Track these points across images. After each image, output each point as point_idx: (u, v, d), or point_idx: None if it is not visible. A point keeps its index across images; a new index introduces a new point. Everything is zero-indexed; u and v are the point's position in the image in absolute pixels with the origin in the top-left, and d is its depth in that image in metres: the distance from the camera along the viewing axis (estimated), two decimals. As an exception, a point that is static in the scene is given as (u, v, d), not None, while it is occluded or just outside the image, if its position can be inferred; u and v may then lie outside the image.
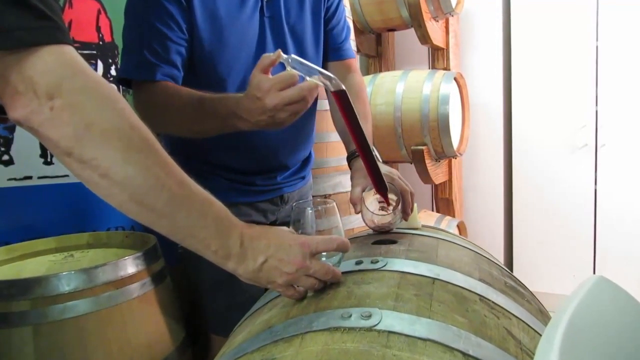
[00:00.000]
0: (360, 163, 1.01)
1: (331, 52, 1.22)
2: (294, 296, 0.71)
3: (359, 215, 1.01)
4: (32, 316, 0.94)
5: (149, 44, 0.94)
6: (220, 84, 1.04)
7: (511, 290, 0.83)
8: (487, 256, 1.00)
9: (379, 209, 1.01)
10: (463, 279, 0.77)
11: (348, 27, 1.27)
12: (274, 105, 0.81)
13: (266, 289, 1.19)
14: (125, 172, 0.57)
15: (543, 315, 0.84)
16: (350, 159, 1.10)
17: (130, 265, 1.07)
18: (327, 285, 0.73)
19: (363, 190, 0.99)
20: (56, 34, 0.55)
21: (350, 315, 0.61)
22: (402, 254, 0.84)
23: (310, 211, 0.77)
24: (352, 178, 1.05)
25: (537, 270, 2.83)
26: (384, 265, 0.78)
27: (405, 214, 0.99)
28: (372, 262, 0.79)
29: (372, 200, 1.01)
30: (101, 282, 1.01)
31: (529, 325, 0.73)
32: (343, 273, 0.76)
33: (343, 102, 0.79)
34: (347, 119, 0.81)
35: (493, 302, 0.74)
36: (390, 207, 0.99)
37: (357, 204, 0.98)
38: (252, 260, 0.67)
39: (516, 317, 0.74)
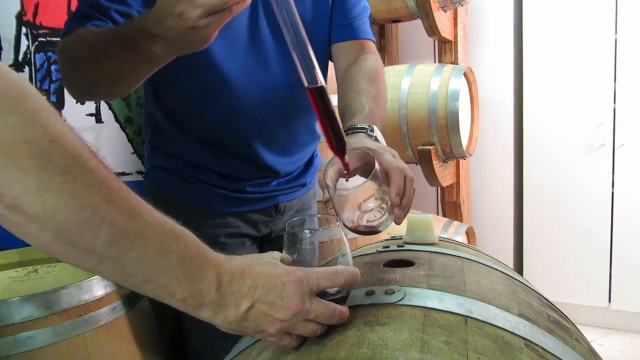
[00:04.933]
0: (348, 137, 0.78)
1: (338, 30, 1.01)
2: (290, 345, 0.57)
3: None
4: (-26, 351, 0.80)
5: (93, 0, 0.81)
6: (217, 79, 0.92)
7: (557, 327, 0.68)
8: (521, 279, 0.85)
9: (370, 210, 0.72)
10: (502, 316, 0.63)
11: (365, 6, 1.07)
12: None
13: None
14: (44, 203, 0.41)
15: (596, 358, 0.69)
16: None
17: (97, 287, 0.93)
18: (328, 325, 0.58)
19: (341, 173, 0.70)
20: None
21: (363, 376, 0.48)
22: (422, 281, 0.69)
23: (308, 235, 0.62)
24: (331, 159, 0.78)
25: (549, 278, 2.73)
26: (402, 298, 0.64)
27: (399, 206, 0.69)
28: (386, 293, 0.65)
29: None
30: (61, 309, 0.87)
31: (588, 379, 0.58)
32: (351, 307, 0.62)
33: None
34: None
35: (542, 347, 0.60)
36: (373, 198, 0.70)
37: (328, 185, 0.69)
38: (233, 308, 0.53)
39: (571, 367, 0.59)
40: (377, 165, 0.68)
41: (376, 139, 0.79)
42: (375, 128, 0.80)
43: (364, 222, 0.71)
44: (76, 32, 0.77)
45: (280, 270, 0.55)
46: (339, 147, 0.64)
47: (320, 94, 0.61)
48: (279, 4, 0.57)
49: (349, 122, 0.84)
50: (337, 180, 0.70)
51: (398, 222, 0.71)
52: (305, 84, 0.60)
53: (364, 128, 0.81)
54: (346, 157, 0.66)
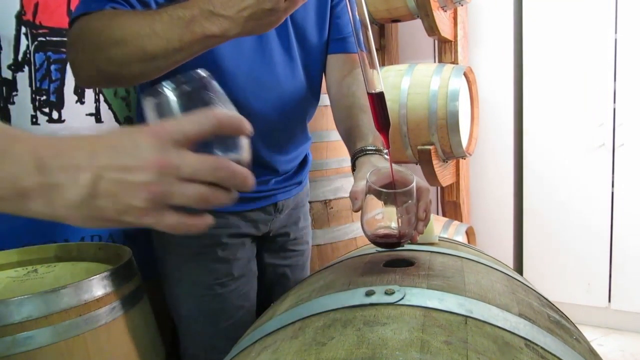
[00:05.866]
0: (366, 158, 0.87)
1: (334, 43, 1.05)
2: (180, 228, 0.45)
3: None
4: (-27, 351, 0.79)
5: None
6: (224, 78, 0.91)
7: (557, 327, 0.68)
8: (521, 279, 0.85)
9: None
10: (502, 316, 0.63)
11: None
12: None
13: (257, 314, 1.05)
14: None
15: (596, 358, 0.69)
16: (354, 159, 0.94)
17: (96, 287, 0.92)
18: (328, 325, 0.58)
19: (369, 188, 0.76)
20: None
21: (364, 376, 0.47)
22: (422, 281, 0.69)
23: (171, 92, 0.48)
24: (356, 175, 0.87)
25: (549, 278, 2.71)
26: (402, 298, 0.64)
27: (423, 221, 0.77)
28: (386, 294, 0.65)
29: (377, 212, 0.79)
30: (60, 308, 0.86)
31: (588, 379, 0.58)
32: (350, 307, 0.62)
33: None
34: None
35: (542, 347, 0.60)
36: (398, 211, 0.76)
37: (357, 199, 0.75)
38: (71, 186, 0.40)
39: (572, 367, 0.58)
40: (414, 183, 0.74)
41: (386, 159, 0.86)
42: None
43: (382, 236, 0.77)
44: (101, 13, 0.75)
45: (126, 130, 0.43)
46: (385, 129, 0.75)
47: (381, 97, 0.72)
48: (352, 8, 0.66)
49: (362, 143, 0.91)
50: (366, 194, 0.75)
51: (414, 239, 0.78)
52: (370, 90, 0.71)
53: (380, 150, 0.88)
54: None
